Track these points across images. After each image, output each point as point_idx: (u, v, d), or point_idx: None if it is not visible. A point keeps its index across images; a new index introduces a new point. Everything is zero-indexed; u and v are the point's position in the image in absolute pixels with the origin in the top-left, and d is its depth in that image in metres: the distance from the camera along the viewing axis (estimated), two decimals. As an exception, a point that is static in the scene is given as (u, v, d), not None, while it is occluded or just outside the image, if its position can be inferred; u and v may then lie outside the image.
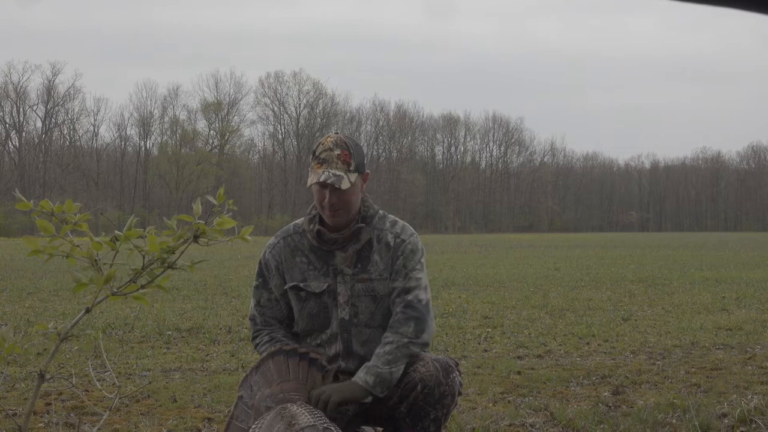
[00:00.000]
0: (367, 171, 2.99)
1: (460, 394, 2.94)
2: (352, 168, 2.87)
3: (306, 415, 2.62)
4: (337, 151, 2.86)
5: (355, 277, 2.93)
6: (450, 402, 2.88)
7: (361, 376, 2.80)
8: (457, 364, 2.95)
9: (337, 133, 2.95)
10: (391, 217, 3.04)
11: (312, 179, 2.86)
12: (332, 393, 2.76)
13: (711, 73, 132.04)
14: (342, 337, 2.94)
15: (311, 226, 2.96)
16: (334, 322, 2.94)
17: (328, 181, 2.81)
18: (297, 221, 3.08)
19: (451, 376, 2.87)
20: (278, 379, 2.83)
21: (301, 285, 2.96)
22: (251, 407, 2.81)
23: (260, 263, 3.07)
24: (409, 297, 2.89)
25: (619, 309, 10.04)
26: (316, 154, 2.89)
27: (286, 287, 2.99)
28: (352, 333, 2.94)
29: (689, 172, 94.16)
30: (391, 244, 2.95)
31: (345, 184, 2.83)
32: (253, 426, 2.66)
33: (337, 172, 2.83)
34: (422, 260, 2.98)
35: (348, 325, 2.93)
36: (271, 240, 3.08)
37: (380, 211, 3.02)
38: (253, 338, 3.09)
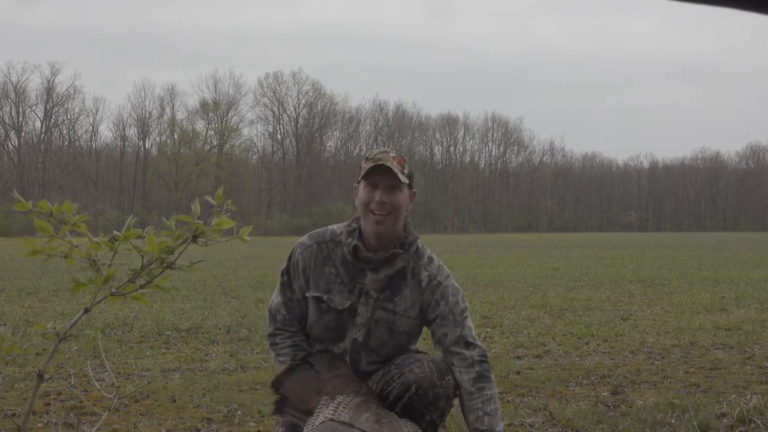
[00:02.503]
0: (415, 190, 2.96)
1: (456, 396, 2.92)
2: (405, 173, 2.85)
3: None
4: (393, 154, 2.86)
5: (379, 302, 2.88)
6: (444, 404, 2.86)
7: None
8: None
9: None
10: (428, 252, 2.97)
11: (365, 167, 2.82)
12: None
13: (711, 73, 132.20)
14: (351, 356, 2.93)
15: (349, 240, 2.88)
16: (347, 340, 2.92)
17: (386, 164, 2.79)
18: (334, 228, 2.98)
19: (446, 378, 2.85)
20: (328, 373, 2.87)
21: (324, 298, 2.90)
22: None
23: (290, 260, 2.97)
24: (481, 349, 2.88)
25: (618, 309, 10.04)
26: (369, 156, 2.86)
27: (308, 295, 2.93)
28: (361, 354, 2.92)
29: (688, 172, 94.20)
30: (423, 284, 2.89)
31: (402, 177, 2.80)
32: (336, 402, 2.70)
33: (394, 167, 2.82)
34: (466, 303, 2.96)
35: (359, 347, 2.91)
36: (305, 239, 2.98)
37: (419, 242, 2.95)
38: (273, 335, 3.01)
